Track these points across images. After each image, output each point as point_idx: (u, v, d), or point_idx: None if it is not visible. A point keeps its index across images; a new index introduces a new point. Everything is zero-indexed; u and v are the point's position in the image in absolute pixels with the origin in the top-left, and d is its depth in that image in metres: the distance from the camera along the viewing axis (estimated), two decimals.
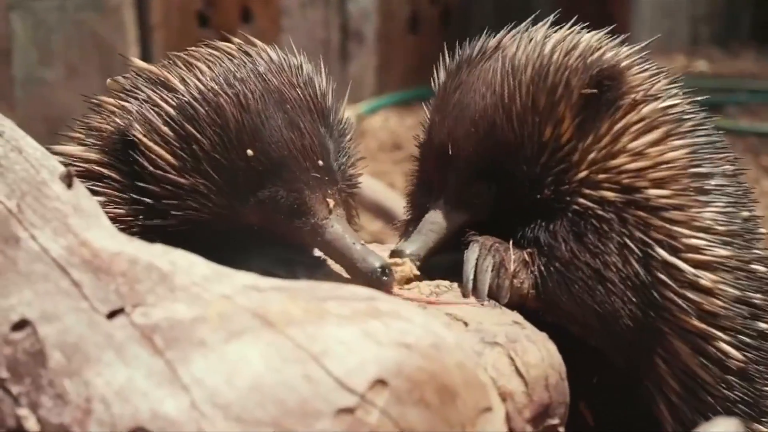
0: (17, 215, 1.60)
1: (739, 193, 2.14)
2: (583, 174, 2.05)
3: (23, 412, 1.40)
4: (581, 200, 2.05)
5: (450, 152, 2.11)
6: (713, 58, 8.22)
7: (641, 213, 2.02)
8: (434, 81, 2.28)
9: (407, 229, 2.27)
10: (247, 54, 2.14)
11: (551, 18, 2.21)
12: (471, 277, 2.00)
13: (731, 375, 2.08)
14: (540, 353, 1.79)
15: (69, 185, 1.67)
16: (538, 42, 2.10)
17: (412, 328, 1.44)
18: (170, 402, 1.34)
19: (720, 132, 2.20)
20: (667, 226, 2.02)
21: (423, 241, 2.08)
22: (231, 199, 2.06)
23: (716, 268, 2.05)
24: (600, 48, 2.12)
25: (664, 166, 2.05)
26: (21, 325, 1.46)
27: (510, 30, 2.19)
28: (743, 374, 2.09)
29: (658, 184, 2.04)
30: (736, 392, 2.09)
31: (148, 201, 2.06)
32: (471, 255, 2.03)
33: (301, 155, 2.05)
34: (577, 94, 2.05)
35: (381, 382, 1.36)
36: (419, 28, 6.97)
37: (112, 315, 1.45)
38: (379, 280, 1.95)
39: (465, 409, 1.43)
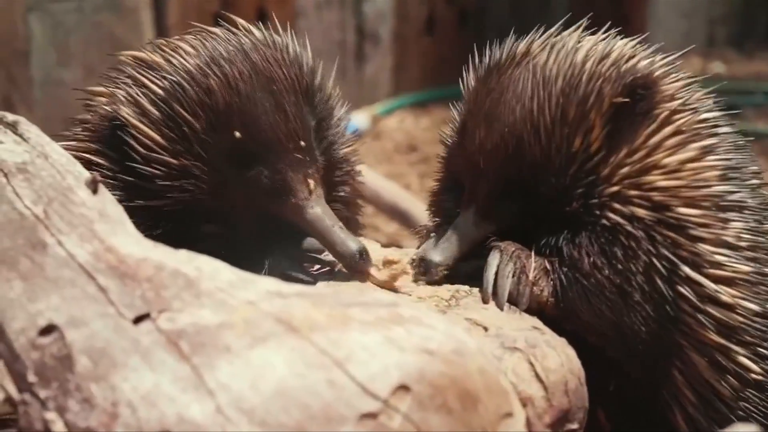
0: (44, 221, 1.62)
1: (762, 206, 2.12)
2: (614, 189, 2.01)
3: (51, 416, 1.42)
4: (611, 215, 2.01)
5: (481, 165, 2.09)
6: (729, 60, 8.18)
7: (670, 233, 1.99)
8: (463, 83, 2.25)
9: (430, 234, 2.25)
10: (233, 33, 2.15)
11: (564, 19, 2.20)
12: (491, 282, 2.01)
13: (748, 387, 2.08)
14: (559, 358, 1.80)
15: (94, 191, 1.69)
16: (570, 50, 2.06)
17: (434, 334, 1.46)
18: (196, 407, 1.36)
19: (748, 139, 2.17)
20: (693, 244, 1.99)
21: (451, 251, 2.08)
22: (219, 178, 2.09)
23: (738, 284, 2.04)
24: (634, 56, 2.08)
25: (699, 185, 2.01)
26: (48, 329, 1.48)
27: (536, 33, 2.15)
28: (760, 386, 2.09)
29: (689, 202, 2.00)
30: (752, 404, 2.09)
31: (140, 183, 2.08)
32: (492, 260, 2.04)
33: (285, 137, 2.08)
34: (609, 103, 2.00)
35: (404, 388, 1.37)
36: (435, 30, 6.96)
37: (138, 320, 1.47)
38: (356, 263, 2.01)
39: (486, 415, 1.44)
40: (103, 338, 1.45)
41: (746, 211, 2.07)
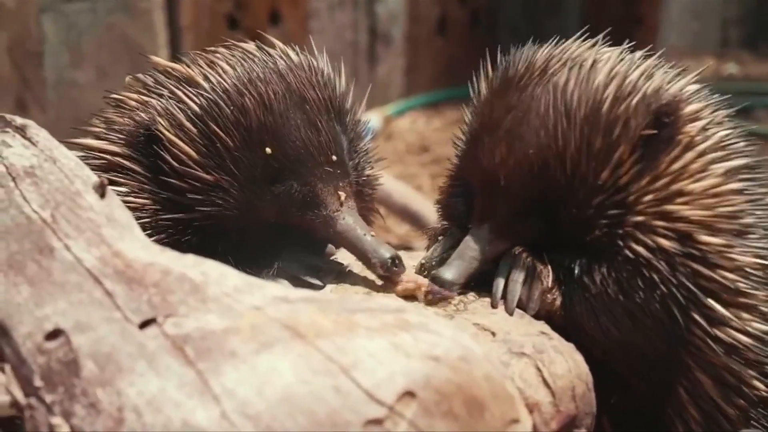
0: (51, 225, 1.63)
1: None
2: (639, 219, 1.97)
3: (56, 420, 1.43)
4: (634, 246, 1.97)
5: (502, 183, 2.04)
6: (743, 61, 8.15)
7: (692, 263, 1.96)
8: (474, 89, 2.22)
9: (438, 237, 2.24)
10: (269, 54, 2.19)
11: (582, 32, 2.14)
12: (501, 287, 2.01)
13: (753, 406, 2.07)
14: (567, 364, 1.80)
15: (102, 195, 1.69)
16: (588, 72, 2.00)
17: (440, 340, 1.46)
18: (201, 412, 1.36)
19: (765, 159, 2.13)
20: (712, 271, 1.97)
21: (465, 269, 2.04)
22: (249, 194, 2.11)
23: (749, 307, 2.02)
24: (654, 78, 2.02)
25: (722, 212, 1.98)
26: (55, 334, 1.49)
27: (552, 44, 2.11)
28: (765, 403, 2.08)
29: (713, 231, 1.97)
30: (756, 421, 2.08)
31: (171, 195, 2.11)
32: (504, 266, 2.04)
33: (316, 151, 2.11)
34: (637, 136, 1.95)
35: (409, 394, 1.37)
36: (447, 31, 6.96)
37: (144, 325, 1.47)
38: (390, 270, 2.02)
39: (493, 421, 1.44)
40: (110, 343, 1.46)
41: (761, 231, 2.05)
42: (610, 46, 2.13)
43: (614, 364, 2.06)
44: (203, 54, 2.21)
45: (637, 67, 2.04)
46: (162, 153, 2.09)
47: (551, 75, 2.03)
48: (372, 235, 2.09)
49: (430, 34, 6.87)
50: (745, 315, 2.00)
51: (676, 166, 1.97)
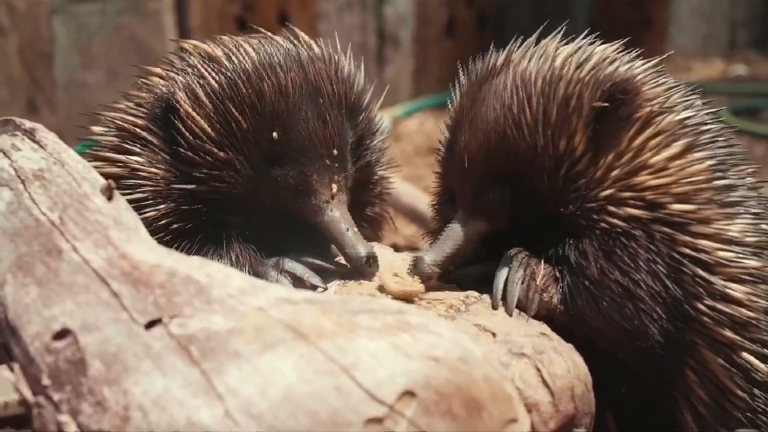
0: (60, 227, 1.66)
1: (762, 205, 2.15)
2: (608, 192, 2.05)
3: (64, 418, 1.45)
4: (608, 218, 2.05)
5: (466, 164, 2.13)
6: (751, 62, 8.15)
7: (667, 229, 2.03)
8: (451, 98, 2.33)
9: (433, 238, 2.30)
10: (294, 44, 2.25)
11: (559, 29, 2.22)
12: (501, 288, 2.04)
13: (756, 386, 2.10)
14: (566, 364, 1.82)
15: (109, 198, 1.72)
16: (549, 55, 2.12)
17: (440, 341, 1.48)
18: (205, 411, 1.38)
19: (739, 145, 2.21)
20: (694, 240, 2.03)
21: (441, 248, 2.12)
22: (254, 174, 2.18)
23: (746, 280, 2.06)
24: (613, 61, 2.13)
25: (687, 180, 2.05)
26: (63, 334, 1.52)
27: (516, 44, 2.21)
28: (766, 387, 2.11)
29: (682, 198, 2.04)
30: (759, 403, 2.11)
31: (183, 167, 2.17)
32: (503, 267, 2.07)
33: (319, 143, 2.17)
34: (589, 108, 2.05)
35: (409, 394, 1.39)
36: (455, 33, 6.96)
37: (150, 325, 1.50)
38: (362, 267, 2.10)
39: (491, 421, 1.46)
40: (116, 343, 1.48)
41: (748, 208, 2.11)
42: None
43: (621, 352, 2.09)
44: (232, 37, 2.27)
45: (598, 53, 2.13)
46: (178, 125, 2.15)
47: (512, 63, 2.14)
48: (355, 232, 2.14)
49: (438, 36, 6.88)
50: (743, 288, 2.05)
51: (637, 141, 2.06)
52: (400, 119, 6.42)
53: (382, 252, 2.22)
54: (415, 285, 2.05)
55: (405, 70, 6.71)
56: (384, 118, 2.45)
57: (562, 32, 2.22)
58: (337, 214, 2.16)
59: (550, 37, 2.20)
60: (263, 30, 2.31)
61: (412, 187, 4.53)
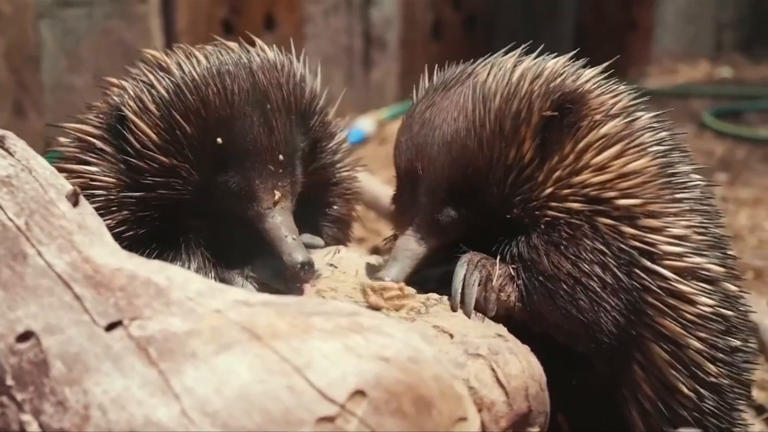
0: (25, 232, 1.69)
1: (711, 209, 2.21)
2: (549, 190, 2.12)
3: (26, 417, 1.49)
4: (550, 212, 2.11)
5: (420, 172, 2.17)
6: (737, 65, 8.19)
7: (610, 221, 2.09)
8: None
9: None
10: (247, 51, 2.27)
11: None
12: (459, 290, 2.08)
13: (703, 387, 2.14)
14: (521, 365, 1.87)
15: (75, 204, 1.76)
16: (507, 69, 2.16)
17: (391, 342, 1.52)
18: (162, 410, 1.42)
19: (689, 152, 2.27)
20: (642, 233, 2.09)
21: (400, 267, 2.15)
22: (200, 179, 2.20)
23: (693, 276, 2.12)
24: (563, 74, 2.18)
25: (630, 175, 2.11)
26: (26, 336, 1.55)
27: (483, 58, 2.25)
28: (715, 387, 2.16)
29: (628, 194, 2.10)
30: (707, 404, 2.16)
31: (133, 175, 2.20)
32: (459, 270, 2.11)
33: (263, 149, 2.19)
34: (538, 117, 2.10)
35: (360, 393, 1.43)
36: (442, 35, 7.00)
37: (110, 327, 1.54)
38: (297, 273, 2.10)
39: (440, 419, 1.50)
40: (78, 344, 1.52)
41: (696, 208, 2.17)
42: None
43: (579, 346, 2.14)
44: (188, 47, 2.29)
45: (550, 66, 2.18)
46: (126, 134, 2.18)
47: (474, 76, 2.19)
48: (294, 238, 2.15)
49: (424, 39, 6.91)
50: (690, 284, 2.11)
51: (580, 145, 2.13)
52: (386, 122, 6.45)
53: (349, 256, 2.26)
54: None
55: (391, 73, 6.74)
56: (354, 123, 2.47)
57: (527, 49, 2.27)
58: (279, 221, 2.18)
59: (506, 51, 2.25)
60: (222, 40, 2.32)
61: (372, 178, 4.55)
